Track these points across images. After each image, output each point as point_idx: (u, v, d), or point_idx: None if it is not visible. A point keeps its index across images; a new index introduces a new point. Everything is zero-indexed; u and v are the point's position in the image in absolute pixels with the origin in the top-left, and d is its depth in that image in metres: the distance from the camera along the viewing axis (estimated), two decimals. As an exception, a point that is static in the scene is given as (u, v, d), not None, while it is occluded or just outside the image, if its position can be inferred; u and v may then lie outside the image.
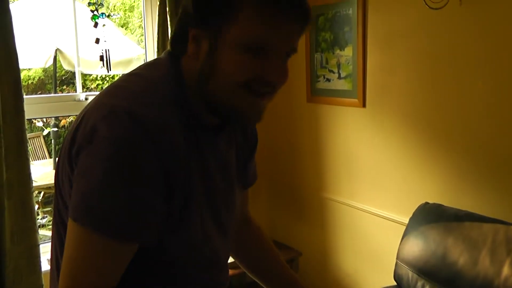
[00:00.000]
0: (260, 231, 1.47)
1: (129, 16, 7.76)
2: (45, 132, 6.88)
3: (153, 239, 0.97)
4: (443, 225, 2.11)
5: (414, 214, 2.28)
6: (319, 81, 2.96)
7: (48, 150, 6.75)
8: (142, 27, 3.23)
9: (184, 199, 1.00)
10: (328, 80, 2.89)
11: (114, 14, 7.18)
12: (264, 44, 0.97)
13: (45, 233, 5.23)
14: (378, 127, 2.65)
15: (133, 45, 5.66)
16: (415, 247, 2.15)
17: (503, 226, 1.96)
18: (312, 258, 3.22)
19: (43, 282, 2.47)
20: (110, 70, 2.88)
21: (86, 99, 2.83)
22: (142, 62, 4.86)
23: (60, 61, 5.13)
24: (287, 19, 0.97)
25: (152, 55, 3.06)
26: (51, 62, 5.17)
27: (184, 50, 1.03)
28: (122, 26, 7.59)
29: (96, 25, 2.76)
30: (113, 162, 0.91)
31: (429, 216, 2.20)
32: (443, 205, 2.22)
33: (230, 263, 1.27)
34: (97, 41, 2.79)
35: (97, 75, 7.23)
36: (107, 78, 7.38)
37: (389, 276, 2.29)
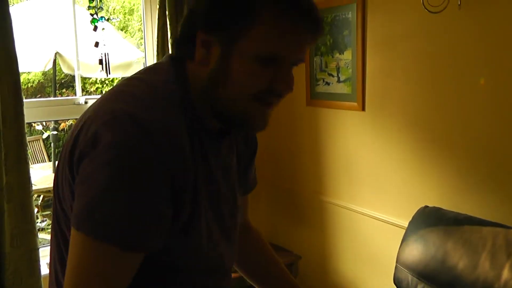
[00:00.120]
0: (260, 237, 1.47)
1: (128, 19, 7.77)
2: (45, 136, 6.88)
3: (159, 245, 0.95)
4: (443, 229, 2.10)
5: (413, 217, 2.28)
6: (318, 84, 2.96)
7: (47, 154, 6.76)
8: (142, 31, 3.23)
9: (189, 203, 0.99)
10: (328, 83, 2.89)
11: (113, 18, 7.19)
12: (277, 56, 0.97)
13: (44, 236, 5.23)
14: (377, 131, 2.65)
15: (132, 49, 5.67)
16: (415, 250, 2.15)
17: (502, 229, 1.96)
18: (312, 261, 3.22)
19: (43, 285, 2.47)
20: (109, 73, 2.89)
21: (86, 102, 2.83)
22: (141, 65, 4.88)
23: (59, 65, 5.14)
24: (302, 31, 0.97)
25: (151, 58, 3.06)
26: (50, 65, 5.18)
27: (189, 54, 1.01)
28: (121, 30, 7.61)
29: (95, 28, 2.77)
30: (116, 168, 0.88)
31: (428, 219, 2.20)
32: (442, 209, 2.22)
33: (228, 267, 1.26)
34: (97, 44, 2.79)
35: (96, 79, 7.24)
36: (107, 82, 7.39)
37: (389, 280, 2.29)
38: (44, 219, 5.79)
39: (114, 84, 7.67)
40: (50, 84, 7.37)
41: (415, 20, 2.36)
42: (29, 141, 4.99)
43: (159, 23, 2.85)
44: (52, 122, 6.45)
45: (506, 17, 2.03)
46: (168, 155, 0.91)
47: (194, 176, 0.98)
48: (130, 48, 5.68)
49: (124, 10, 7.71)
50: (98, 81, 7.46)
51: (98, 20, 2.77)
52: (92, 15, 2.77)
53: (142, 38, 3.97)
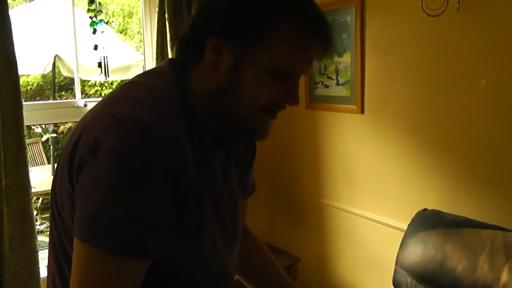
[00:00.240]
0: (257, 240, 1.46)
1: (128, 22, 7.78)
2: (44, 138, 6.88)
3: (163, 251, 0.93)
4: (442, 231, 2.11)
5: (412, 220, 2.28)
6: (317, 87, 2.96)
7: (46, 156, 6.75)
8: (141, 33, 3.24)
9: (194, 210, 0.97)
10: (327, 86, 2.90)
11: (113, 21, 7.20)
12: (290, 70, 0.98)
13: (44, 239, 5.22)
14: (376, 134, 2.66)
15: (132, 51, 5.67)
16: (414, 253, 2.15)
17: (501, 232, 1.96)
18: (310, 264, 3.22)
19: (42, 288, 2.47)
20: (108, 76, 2.89)
21: (85, 105, 2.84)
22: (141, 68, 4.88)
23: (59, 67, 5.14)
24: (316, 48, 0.98)
25: (151, 61, 3.06)
26: (50, 68, 5.18)
27: (195, 57, 1.00)
28: (121, 32, 7.61)
29: (94, 31, 2.77)
30: (118, 176, 0.86)
31: (427, 222, 2.20)
32: (441, 211, 2.23)
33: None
34: (96, 47, 2.80)
35: (95, 81, 7.24)
36: (106, 84, 7.39)
37: (388, 282, 2.29)
38: (43, 221, 5.79)
39: (114, 86, 7.68)
40: (49, 86, 7.38)
41: (414, 23, 2.37)
42: (28, 144, 4.97)
43: (158, 26, 2.85)
44: (52, 125, 6.44)
45: (505, 20, 2.04)
46: (171, 160, 0.90)
47: (199, 181, 0.97)
48: (129, 50, 5.68)
49: (124, 13, 7.72)
50: (97, 84, 7.47)
51: (97, 23, 2.78)
52: (91, 18, 2.77)
53: (141, 41, 3.98)
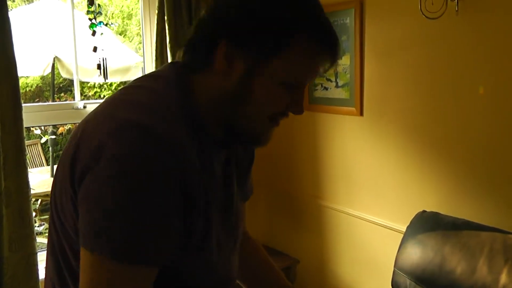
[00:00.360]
0: (255, 243, 1.46)
1: (127, 24, 7.78)
2: (43, 140, 6.88)
3: (171, 258, 0.93)
4: (441, 233, 2.11)
5: (411, 222, 2.28)
6: (316, 89, 2.96)
7: (45, 158, 6.75)
8: (140, 35, 3.24)
9: (202, 216, 0.96)
10: (326, 88, 2.90)
11: (112, 23, 7.20)
12: (299, 81, 0.99)
13: (43, 240, 5.21)
14: (375, 136, 2.66)
15: (131, 53, 5.67)
16: (413, 255, 2.15)
17: (500, 234, 1.97)
18: (309, 265, 3.22)
19: (41, 290, 2.47)
20: (106, 78, 2.89)
21: (85, 107, 2.84)
22: (140, 70, 4.89)
23: (58, 69, 5.14)
24: (325, 61, 1.00)
25: (150, 63, 3.06)
26: (49, 70, 5.18)
27: (203, 62, 0.99)
28: (120, 34, 7.61)
29: (94, 33, 2.77)
30: (125, 183, 0.84)
31: (426, 224, 2.20)
32: (440, 213, 2.23)
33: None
34: (95, 49, 2.80)
35: (95, 83, 7.24)
36: (105, 86, 7.39)
37: (387, 284, 2.29)
38: (42, 223, 5.79)
39: (113, 88, 7.65)
40: (48, 88, 7.38)
41: (413, 26, 2.37)
42: (27, 145, 5.00)
43: (158, 28, 2.85)
44: (51, 126, 6.44)
45: (503, 23, 2.04)
46: (178, 165, 0.88)
47: (204, 185, 0.96)
48: (129, 52, 5.69)
49: (123, 15, 7.72)
50: (96, 85, 7.47)
51: (97, 25, 2.78)
52: (90, 20, 2.77)
53: (140, 43, 3.98)
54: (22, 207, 2.37)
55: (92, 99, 7.25)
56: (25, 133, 2.40)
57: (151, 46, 3.00)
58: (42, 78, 7.34)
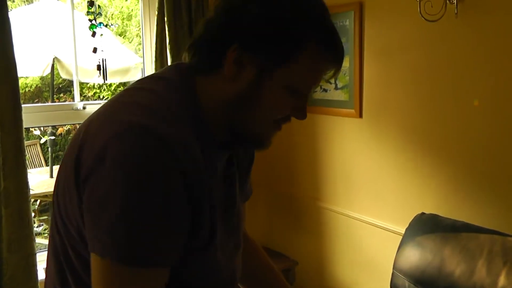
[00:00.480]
0: (256, 245, 1.46)
1: (127, 24, 7.78)
2: (42, 141, 6.87)
3: (177, 259, 0.93)
4: (440, 236, 2.11)
5: (410, 224, 2.29)
6: (316, 91, 2.96)
7: (44, 158, 6.74)
8: (140, 36, 3.24)
9: (208, 217, 0.97)
10: (325, 90, 2.90)
11: (112, 24, 7.20)
12: (305, 87, 1.01)
13: (41, 241, 5.22)
14: (374, 138, 2.66)
15: (130, 54, 5.67)
16: (412, 257, 2.15)
17: (499, 237, 1.97)
18: (308, 267, 3.22)
19: (40, 291, 2.47)
20: (106, 79, 2.89)
21: (84, 108, 2.84)
22: (139, 71, 4.89)
23: (57, 70, 5.14)
24: (330, 68, 1.01)
25: (150, 64, 3.07)
26: (49, 70, 5.17)
27: (211, 64, 0.99)
28: (120, 35, 7.61)
29: (94, 34, 2.78)
30: (129, 186, 0.84)
31: (425, 226, 2.21)
32: (439, 216, 2.23)
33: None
34: (95, 50, 2.80)
35: (94, 83, 7.24)
36: (105, 86, 7.39)
37: (386, 286, 2.29)
38: (41, 223, 5.79)
39: (112, 89, 7.64)
40: (47, 88, 7.37)
41: (412, 28, 2.37)
42: (26, 146, 5.00)
43: (157, 29, 2.86)
44: (50, 127, 6.44)
45: (503, 25, 2.05)
46: (186, 167, 0.88)
47: (210, 187, 0.96)
48: (128, 53, 5.68)
49: (123, 16, 7.72)
50: (95, 86, 7.46)
51: (97, 26, 2.78)
52: (90, 20, 2.78)
53: (140, 44, 3.99)
54: (21, 208, 2.38)
55: (91, 100, 7.25)
56: (24, 134, 2.40)
57: (151, 47, 3.00)
58: (42, 78, 7.34)
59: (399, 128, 2.52)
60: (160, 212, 0.86)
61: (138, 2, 3.15)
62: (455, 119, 2.26)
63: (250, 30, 0.95)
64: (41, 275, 2.54)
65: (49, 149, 6.08)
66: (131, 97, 1.00)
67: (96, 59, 2.83)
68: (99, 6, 2.79)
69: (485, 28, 2.11)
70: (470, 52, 2.17)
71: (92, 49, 2.80)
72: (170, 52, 2.87)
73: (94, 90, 7.53)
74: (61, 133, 7.25)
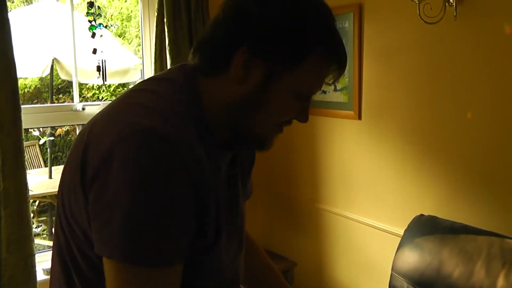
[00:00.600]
0: (256, 244, 1.47)
1: (126, 25, 7.78)
2: (41, 141, 6.87)
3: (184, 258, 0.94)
4: (438, 237, 2.11)
5: (409, 226, 2.29)
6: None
7: (43, 159, 6.74)
8: (139, 37, 3.24)
9: (213, 218, 0.97)
10: (324, 92, 2.90)
11: (112, 25, 7.20)
12: (309, 92, 1.02)
13: (40, 242, 5.22)
14: (374, 139, 2.67)
15: (130, 55, 5.67)
16: (410, 258, 2.16)
17: (498, 238, 1.97)
18: (307, 268, 3.22)
19: (38, 292, 2.47)
20: (105, 80, 2.89)
21: (83, 109, 2.84)
22: (139, 72, 4.89)
23: (57, 70, 5.13)
24: (335, 70, 1.02)
25: (149, 65, 3.07)
26: (48, 71, 5.17)
27: (218, 66, 0.99)
28: (119, 36, 7.61)
29: (94, 35, 2.77)
30: (135, 187, 0.85)
31: (424, 228, 2.21)
32: (438, 217, 2.23)
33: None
34: (94, 51, 2.80)
35: (93, 84, 7.23)
36: (103, 87, 7.39)
37: (384, 287, 2.30)
38: (40, 224, 5.78)
39: (111, 90, 7.62)
40: (47, 89, 7.36)
41: (412, 30, 2.38)
42: (25, 147, 4.99)
43: (157, 30, 2.86)
44: (49, 128, 6.43)
45: (502, 27, 2.05)
46: (192, 169, 0.89)
47: (215, 188, 0.97)
48: (127, 54, 5.68)
49: (122, 17, 7.72)
50: (95, 87, 7.46)
51: (97, 27, 2.78)
52: (90, 21, 2.77)
53: (139, 45, 3.99)
54: (20, 209, 2.38)
55: (90, 100, 7.25)
56: (23, 135, 2.40)
57: (150, 48, 3.00)
58: (41, 79, 7.33)
59: (398, 130, 2.53)
60: (167, 212, 0.87)
61: (137, 3, 3.16)
62: (454, 121, 2.27)
63: (260, 35, 0.95)
64: (40, 276, 2.55)
65: (48, 150, 6.07)
66: (135, 98, 1.00)
67: (95, 60, 2.83)
68: (99, 7, 2.79)
69: (484, 30, 2.11)
70: (469, 54, 2.18)
71: (92, 50, 2.80)
72: (170, 53, 2.87)
73: (93, 91, 7.52)
74: (60, 134, 7.24)
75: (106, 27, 2.92)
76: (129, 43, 7.62)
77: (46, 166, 6.48)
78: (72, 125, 6.34)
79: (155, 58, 2.88)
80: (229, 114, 1.01)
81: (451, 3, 2.16)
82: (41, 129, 6.95)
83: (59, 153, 7.25)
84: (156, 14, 2.85)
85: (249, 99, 0.98)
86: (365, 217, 2.77)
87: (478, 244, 1.99)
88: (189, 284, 0.99)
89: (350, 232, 2.89)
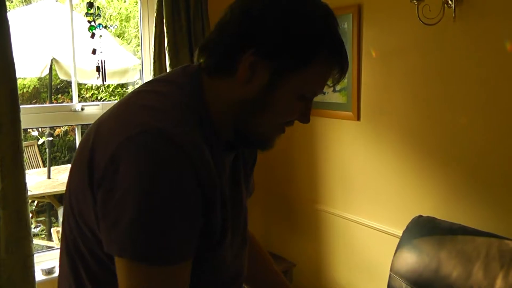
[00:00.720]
0: (257, 242, 1.49)
1: (125, 26, 7.77)
2: (40, 142, 6.86)
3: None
4: (437, 238, 2.12)
5: (407, 227, 2.29)
6: (314, 93, 2.96)
7: (42, 159, 6.74)
8: (138, 37, 3.24)
9: (219, 217, 0.98)
10: (323, 93, 2.90)
11: (111, 26, 7.20)
12: (312, 94, 1.04)
13: (39, 242, 5.22)
14: (372, 140, 2.67)
15: (129, 55, 5.67)
16: (409, 259, 2.16)
17: (496, 239, 1.97)
18: (306, 269, 3.23)
19: (37, 292, 2.46)
20: (105, 80, 2.89)
21: (82, 109, 2.84)
22: (138, 72, 4.89)
23: (55, 70, 5.13)
24: (337, 72, 1.04)
25: (148, 65, 3.07)
26: (47, 71, 5.16)
27: (225, 67, 1.00)
28: (118, 36, 7.61)
29: (93, 35, 2.77)
30: (144, 188, 0.86)
31: (422, 229, 2.21)
32: (436, 218, 2.24)
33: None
34: (94, 51, 2.80)
35: (92, 84, 7.23)
36: (102, 88, 7.38)
37: (383, 289, 2.30)
38: (38, 224, 5.78)
39: (110, 90, 7.61)
40: (45, 89, 7.36)
41: (410, 32, 2.38)
42: (24, 147, 4.98)
43: (156, 31, 2.86)
44: (48, 128, 6.43)
45: (501, 29, 2.05)
46: (198, 168, 0.90)
47: (221, 186, 0.98)
48: (127, 54, 5.68)
49: (121, 17, 7.71)
50: (93, 87, 7.45)
51: (96, 27, 2.78)
52: (90, 22, 2.77)
53: (138, 45, 3.99)
54: (19, 209, 2.37)
55: (89, 101, 7.25)
56: (22, 135, 2.40)
57: (149, 48, 3.00)
58: (40, 79, 7.32)
59: (397, 131, 2.53)
60: (176, 211, 0.88)
61: (136, 4, 3.16)
62: (452, 122, 2.27)
63: (268, 37, 0.96)
64: (39, 276, 2.55)
65: (47, 150, 6.07)
66: (141, 100, 1.01)
67: (95, 60, 2.82)
68: (98, 8, 2.79)
69: (483, 32, 2.11)
70: (468, 55, 2.18)
71: (91, 51, 2.79)
72: (169, 54, 2.87)
73: (92, 91, 7.51)
74: (59, 134, 7.24)
75: (105, 27, 2.92)
76: (128, 44, 7.62)
77: (44, 166, 6.48)
78: (71, 125, 6.33)
79: (154, 59, 2.88)
80: (233, 114, 1.02)
81: (450, 5, 2.16)
82: (39, 129, 6.94)
83: (57, 153, 7.25)
84: (155, 14, 2.85)
85: (253, 100, 0.99)
86: (364, 218, 2.77)
87: (477, 245, 1.99)
88: (194, 279, 1.00)
89: (349, 233, 2.89)
